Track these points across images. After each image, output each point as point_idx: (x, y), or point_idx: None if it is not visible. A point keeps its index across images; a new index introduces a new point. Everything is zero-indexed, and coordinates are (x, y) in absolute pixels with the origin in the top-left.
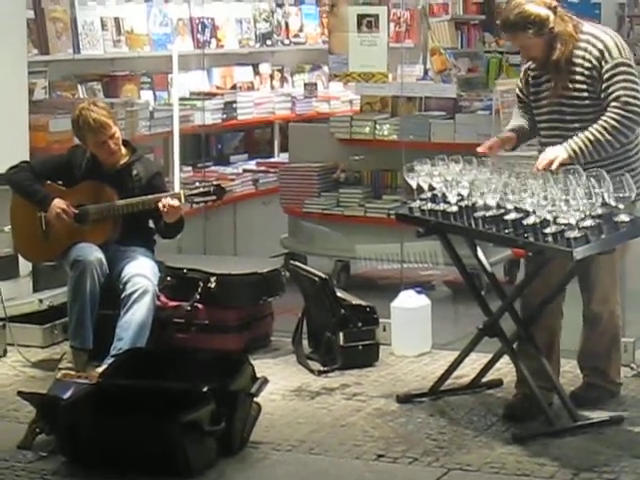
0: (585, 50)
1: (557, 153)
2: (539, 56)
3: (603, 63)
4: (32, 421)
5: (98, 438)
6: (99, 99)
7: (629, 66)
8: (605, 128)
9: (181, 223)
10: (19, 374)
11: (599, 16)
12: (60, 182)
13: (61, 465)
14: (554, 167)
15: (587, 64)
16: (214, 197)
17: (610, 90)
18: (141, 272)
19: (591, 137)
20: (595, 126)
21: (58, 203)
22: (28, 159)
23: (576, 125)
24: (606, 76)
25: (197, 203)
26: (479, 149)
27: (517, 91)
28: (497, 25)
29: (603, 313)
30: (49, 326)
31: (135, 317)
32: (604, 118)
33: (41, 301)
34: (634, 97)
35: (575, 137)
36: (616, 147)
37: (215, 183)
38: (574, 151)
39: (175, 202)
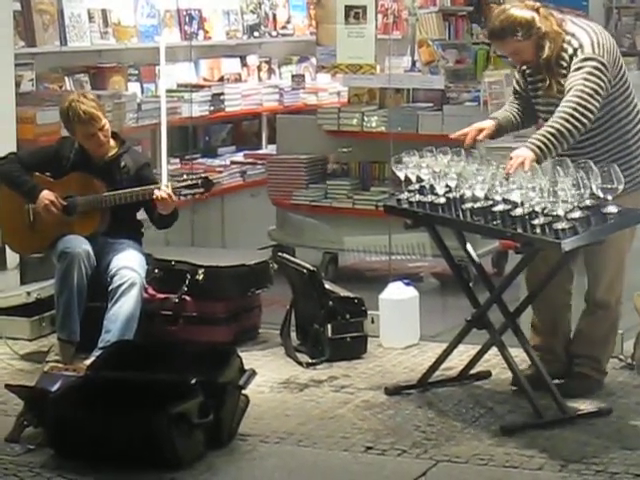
0: (566, 51)
1: (524, 154)
2: (531, 59)
3: (575, 59)
4: (20, 414)
5: (86, 431)
6: (88, 91)
7: (599, 62)
8: (563, 118)
9: (175, 214)
10: (6, 367)
11: (587, 8)
12: (48, 174)
13: (49, 458)
14: (527, 168)
15: (565, 63)
16: (202, 190)
17: (570, 81)
18: (129, 265)
19: (551, 130)
20: (552, 118)
21: (46, 195)
22: (15, 151)
23: None
24: (572, 69)
25: (184, 196)
26: (452, 135)
27: (514, 83)
28: (486, 35)
29: (610, 301)
30: (37, 319)
31: (123, 309)
32: (559, 109)
33: (29, 293)
34: (591, 87)
35: (535, 134)
36: (577, 136)
37: (203, 175)
38: (539, 147)
39: (167, 193)
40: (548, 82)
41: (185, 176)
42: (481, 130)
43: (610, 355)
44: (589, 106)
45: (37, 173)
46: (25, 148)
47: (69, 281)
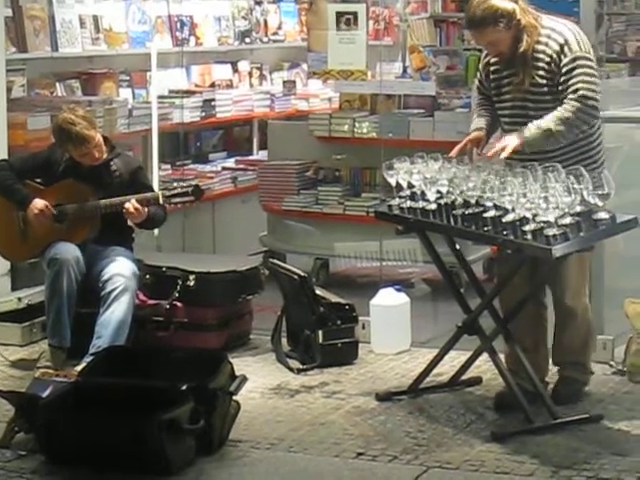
0: (546, 45)
1: (509, 141)
2: (506, 50)
3: (562, 57)
4: (11, 420)
5: (77, 436)
6: (78, 104)
7: (588, 59)
8: (560, 119)
9: (157, 218)
10: None
11: (578, 14)
12: (39, 180)
13: (40, 464)
14: (504, 155)
15: (547, 58)
16: (192, 198)
17: (569, 83)
18: (120, 271)
19: (544, 126)
20: (550, 116)
21: (37, 204)
22: (6, 157)
23: (539, 118)
24: (565, 69)
25: (175, 204)
26: (452, 154)
27: (477, 84)
28: (465, 23)
29: (577, 307)
30: (28, 324)
31: (114, 315)
32: (560, 109)
33: (20, 299)
34: (592, 90)
35: (530, 125)
36: (568, 139)
37: (193, 183)
38: (527, 139)
39: (133, 206)
40: (521, 76)
41: (175, 184)
42: (478, 141)
43: (591, 354)
44: (590, 111)
45: (28, 181)
46: (15, 154)
47: (59, 287)
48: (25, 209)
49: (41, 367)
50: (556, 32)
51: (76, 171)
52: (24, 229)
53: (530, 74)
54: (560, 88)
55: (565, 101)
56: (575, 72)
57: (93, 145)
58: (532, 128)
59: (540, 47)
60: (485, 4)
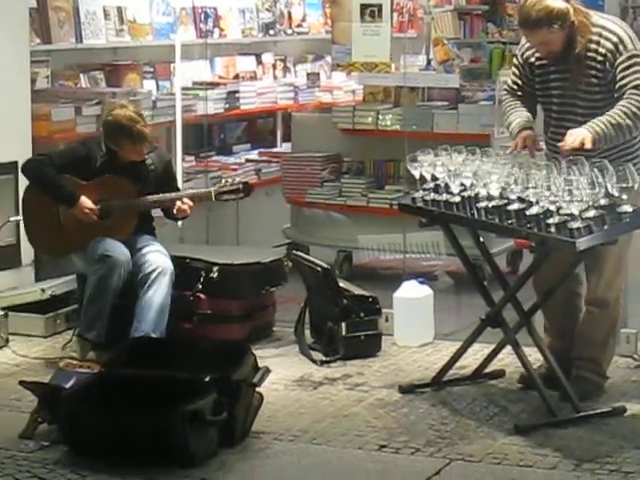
0: (598, 43)
1: (584, 134)
2: (558, 50)
3: (618, 55)
4: (34, 411)
5: (100, 428)
6: (127, 101)
7: None
8: (626, 113)
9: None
10: (21, 363)
11: (603, 7)
12: (75, 175)
13: (62, 454)
14: (588, 146)
15: (600, 57)
16: (242, 195)
17: (628, 79)
18: (158, 256)
19: (613, 121)
20: (615, 110)
21: (85, 203)
22: (45, 153)
23: (587, 118)
24: (621, 67)
25: (225, 200)
26: (508, 151)
27: (514, 78)
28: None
29: (609, 299)
30: (51, 315)
31: (155, 298)
32: (624, 103)
33: (43, 290)
34: None
35: (596, 120)
36: (634, 134)
37: (243, 180)
38: (597, 133)
39: (188, 205)
40: (573, 76)
41: (224, 181)
42: (532, 140)
43: (610, 359)
44: None
45: (67, 175)
46: (41, 147)
47: (108, 286)
48: (72, 206)
49: (66, 357)
50: (608, 30)
51: (113, 166)
52: (63, 224)
53: (583, 73)
54: (617, 86)
55: (627, 96)
56: (633, 69)
57: (147, 143)
58: (600, 124)
59: (592, 46)
60: (540, 4)
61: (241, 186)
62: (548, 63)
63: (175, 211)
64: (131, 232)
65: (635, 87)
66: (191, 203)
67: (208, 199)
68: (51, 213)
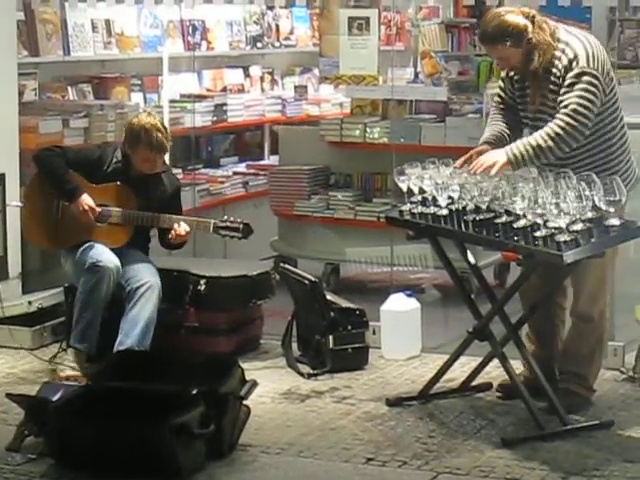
0: (559, 59)
1: (497, 158)
2: (518, 65)
3: (570, 71)
4: (21, 423)
5: (87, 440)
6: (152, 111)
7: (594, 77)
8: (549, 135)
9: (184, 242)
10: (8, 376)
11: (590, 20)
12: (85, 175)
13: (50, 467)
14: (493, 172)
15: (558, 73)
16: (240, 235)
17: (565, 97)
18: (147, 272)
19: (533, 142)
20: (540, 132)
21: (86, 200)
22: (60, 145)
23: None
24: (567, 83)
25: (223, 236)
26: (457, 164)
27: (499, 91)
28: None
29: (593, 313)
30: (38, 328)
31: (142, 313)
32: (551, 125)
33: (30, 303)
34: (585, 107)
35: (518, 141)
36: (558, 154)
37: (245, 222)
38: (515, 155)
39: (185, 231)
40: (531, 92)
41: (226, 217)
42: (482, 154)
43: (597, 372)
44: (579, 127)
45: (75, 173)
46: (27, 158)
47: (98, 294)
48: (72, 201)
49: (64, 371)
50: (570, 47)
51: (125, 175)
52: (60, 219)
53: (542, 90)
54: (558, 101)
55: (557, 116)
56: (575, 87)
57: (163, 156)
58: (520, 145)
59: (555, 62)
60: (497, 20)
61: (241, 226)
62: (520, 79)
63: (171, 235)
64: (125, 243)
65: (566, 107)
66: (188, 229)
67: (206, 230)
68: (51, 206)
